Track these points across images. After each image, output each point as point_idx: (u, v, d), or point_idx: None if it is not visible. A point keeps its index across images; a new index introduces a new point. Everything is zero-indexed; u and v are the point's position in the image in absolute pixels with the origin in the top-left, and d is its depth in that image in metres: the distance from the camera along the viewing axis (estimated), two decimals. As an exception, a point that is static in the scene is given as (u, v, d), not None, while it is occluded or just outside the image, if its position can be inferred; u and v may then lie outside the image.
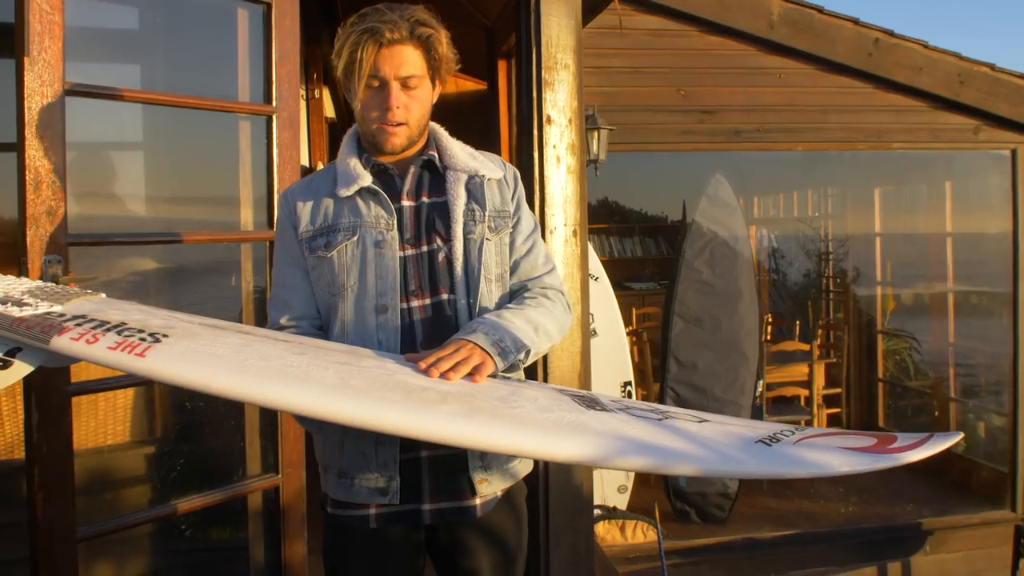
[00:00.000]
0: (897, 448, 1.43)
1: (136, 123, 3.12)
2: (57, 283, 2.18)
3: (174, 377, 1.28)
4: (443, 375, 1.52)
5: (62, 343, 1.33)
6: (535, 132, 3.44)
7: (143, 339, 1.33)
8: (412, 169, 1.85)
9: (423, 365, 1.55)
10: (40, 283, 1.77)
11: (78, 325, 1.38)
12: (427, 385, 1.41)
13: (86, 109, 2.43)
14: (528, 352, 1.74)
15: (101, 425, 3.13)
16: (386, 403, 1.29)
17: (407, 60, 1.74)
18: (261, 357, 1.37)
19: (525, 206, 1.97)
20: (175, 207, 3.30)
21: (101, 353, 1.31)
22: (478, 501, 1.83)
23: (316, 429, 1.83)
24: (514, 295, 1.92)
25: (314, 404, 1.28)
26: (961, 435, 1.58)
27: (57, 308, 1.50)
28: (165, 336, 1.36)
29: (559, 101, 3.44)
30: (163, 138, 3.22)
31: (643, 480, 5.52)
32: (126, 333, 1.35)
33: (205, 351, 1.35)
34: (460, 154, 1.88)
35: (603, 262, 5.53)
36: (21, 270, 2.19)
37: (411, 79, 1.75)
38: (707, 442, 1.37)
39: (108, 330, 1.36)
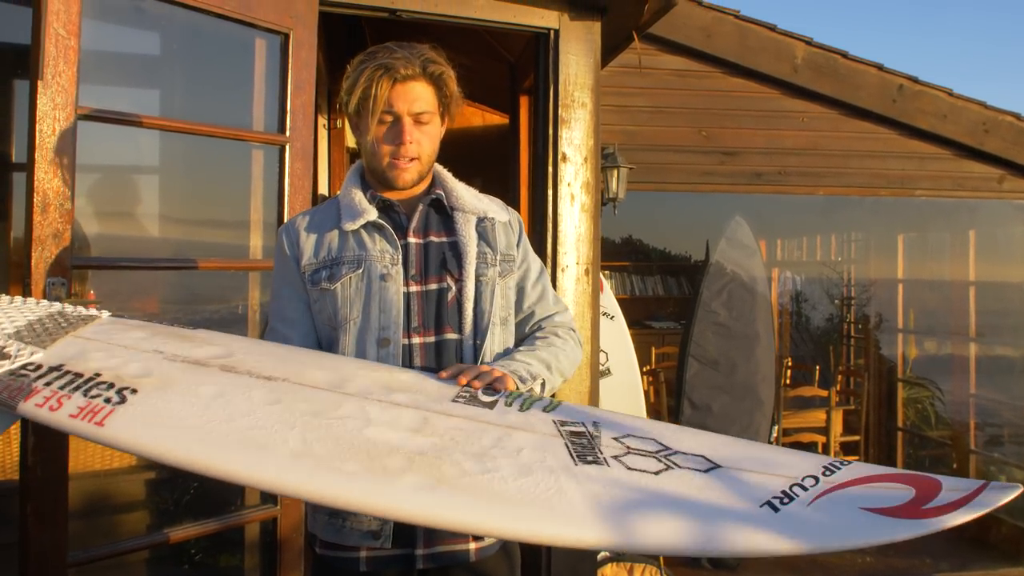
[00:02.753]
0: (939, 508, 1.25)
1: (151, 148, 3.14)
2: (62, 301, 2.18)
3: (132, 448, 1.30)
4: (469, 383, 1.60)
5: (28, 408, 1.35)
6: (550, 169, 3.43)
7: (108, 400, 1.34)
8: (420, 207, 1.85)
9: (444, 375, 1.63)
10: (39, 313, 1.71)
11: (47, 385, 1.38)
12: (398, 444, 1.35)
13: (100, 133, 2.44)
14: (544, 385, 1.78)
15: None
16: (342, 476, 1.26)
17: (420, 96, 1.76)
18: (227, 419, 1.35)
19: (531, 250, 1.99)
20: (187, 232, 3.31)
21: (65, 421, 1.32)
22: (473, 547, 1.79)
23: None
24: (525, 337, 1.94)
25: (270, 481, 1.27)
26: (1021, 488, 1.33)
27: (37, 356, 1.48)
28: (134, 392, 1.36)
29: (575, 139, 3.43)
30: (177, 163, 3.24)
31: (654, 522, 5.43)
32: (93, 393, 1.36)
33: (169, 414, 1.34)
34: (466, 195, 1.89)
35: (623, 300, 5.52)
36: (25, 292, 2.19)
37: (423, 115, 1.77)
38: (694, 511, 1.26)
39: (76, 389, 1.37)
